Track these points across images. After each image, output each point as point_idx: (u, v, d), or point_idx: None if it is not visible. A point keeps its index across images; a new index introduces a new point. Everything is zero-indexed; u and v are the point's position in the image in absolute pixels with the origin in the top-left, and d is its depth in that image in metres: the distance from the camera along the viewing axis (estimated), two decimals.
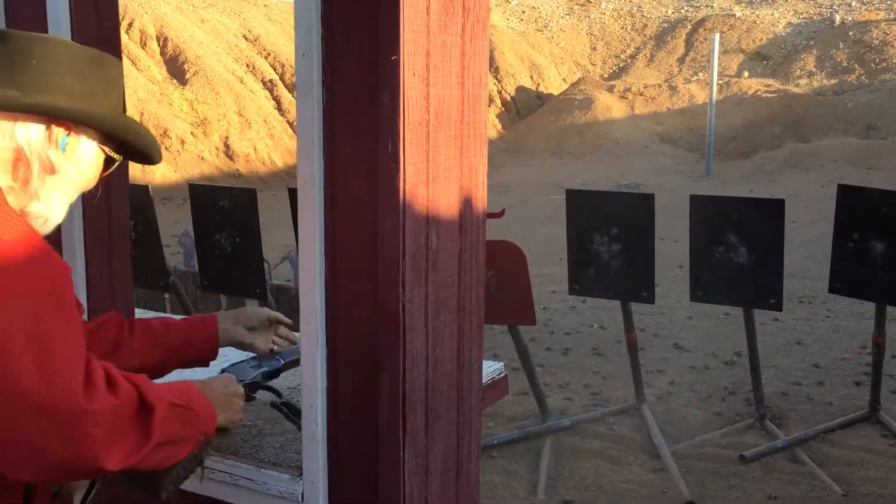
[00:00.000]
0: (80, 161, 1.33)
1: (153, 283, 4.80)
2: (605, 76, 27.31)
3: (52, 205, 1.31)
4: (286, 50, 20.51)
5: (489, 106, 25.24)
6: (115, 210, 1.89)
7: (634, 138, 21.59)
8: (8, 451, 1.14)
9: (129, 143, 1.39)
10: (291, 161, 17.27)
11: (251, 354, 1.84)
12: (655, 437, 4.60)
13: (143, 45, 17.91)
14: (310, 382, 1.56)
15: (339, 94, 1.49)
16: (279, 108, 18.40)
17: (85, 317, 1.85)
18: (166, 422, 1.27)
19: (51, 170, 1.29)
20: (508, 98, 26.12)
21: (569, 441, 4.66)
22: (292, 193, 4.66)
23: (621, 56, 29.04)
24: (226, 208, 4.46)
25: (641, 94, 23.44)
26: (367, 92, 1.46)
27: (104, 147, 1.37)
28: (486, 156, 1.69)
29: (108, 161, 1.39)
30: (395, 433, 1.49)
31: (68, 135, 1.30)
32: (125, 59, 14.34)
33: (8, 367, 1.10)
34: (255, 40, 20.38)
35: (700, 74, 26.09)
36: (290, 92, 19.04)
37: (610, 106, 22.80)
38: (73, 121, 1.30)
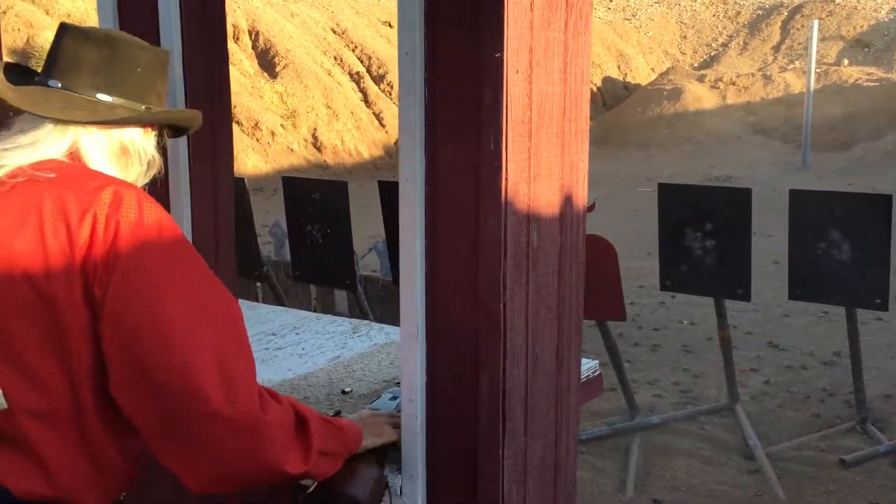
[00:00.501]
0: (152, 147, 1.48)
1: (247, 272, 4.92)
2: (696, 65, 26.65)
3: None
4: (373, 42, 20.73)
5: None
6: (220, 204, 1.95)
7: (726, 129, 21.00)
8: (191, 461, 1.23)
9: (185, 129, 1.56)
10: (377, 153, 17.46)
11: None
12: (750, 438, 4.48)
13: (236, 39, 18.36)
14: (409, 377, 1.57)
15: (442, 92, 1.49)
16: (366, 100, 18.61)
17: None
18: (320, 433, 1.35)
19: (153, 163, 1.47)
20: (595, 89, 25.75)
21: (658, 439, 4.58)
22: (382, 186, 4.71)
23: (712, 45, 28.28)
24: (318, 200, 4.54)
25: (734, 84, 22.76)
26: (469, 89, 1.46)
27: (165, 133, 1.53)
28: (587, 153, 1.67)
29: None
30: (494, 431, 1.49)
31: (153, 130, 1.48)
32: None
33: (194, 383, 1.19)
34: (342, 33, 20.66)
35: (796, 63, 25.19)
36: (376, 84, 19.24)
37: (700, 96, 22.23)
38: (170, 123, 1.51)
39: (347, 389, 2.03)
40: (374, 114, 18.24)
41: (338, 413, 1.88)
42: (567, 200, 1.61)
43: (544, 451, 1.61)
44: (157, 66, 1.47)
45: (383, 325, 2.69)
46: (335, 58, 19.52)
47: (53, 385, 1.25)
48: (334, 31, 20.60)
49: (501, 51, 1.41)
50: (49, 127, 1.34)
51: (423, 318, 1.55)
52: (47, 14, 15.82)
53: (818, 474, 4.18)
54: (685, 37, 28.61)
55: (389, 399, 1.85)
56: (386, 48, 20.85)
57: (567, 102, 1.58)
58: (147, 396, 1.21)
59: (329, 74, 18.58)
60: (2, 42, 2.33)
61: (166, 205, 1.88)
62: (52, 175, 1.27)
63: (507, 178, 1.44)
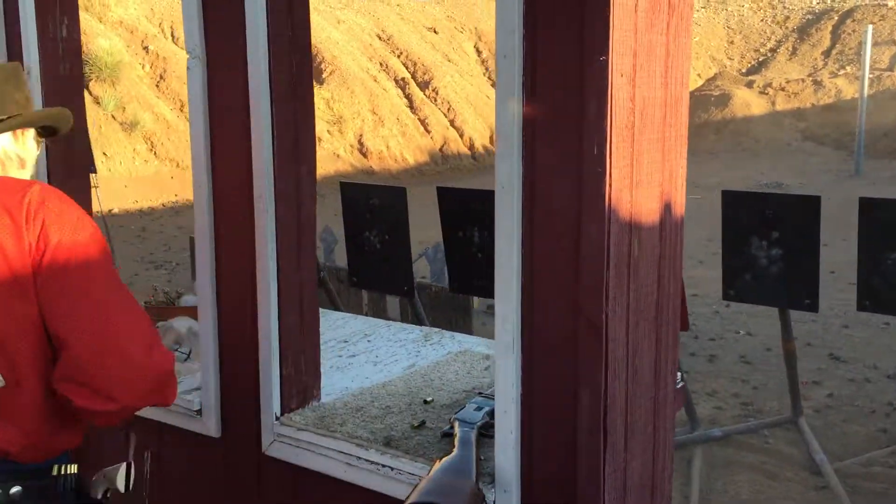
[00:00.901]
0: (30, 147, 1.73)
1: None
2: (743, 71, 26.26)
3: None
4: (418, 48, 20.78)
5: None
6: (303, 208, 1.93)
7: (775, 136, 20.65)
8: (121, 395, 1.53)
9: (51, 128, 1.79)
10: (423, 158, 17.47)
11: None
12: (816, 453, 4.35)
13: None
14: (504, 389, 1.53)
15: (541, 97, 1.45)
16: (411, 106, 18.65)
17: (275, 311, 1.89)
18: None
19: (22, 163, 1.70)
20: None
21: (721, 453, 4.48)
22: (440, 192, 4.68)
23: (760, 50, 27.84)
24: (376, 206, 4.52)
25: (783, 90, 22.39)
26: (571, 94, 1.42)
27: (38, 134, 1.76)
28: (685, 159, 1.62)
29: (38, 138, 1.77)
30: (595, 446, 1.44)
31: (23, 132, 1.70)
32: None
33: (125, 350, 1.52)
34: (388, 39, 20.74)
35: (847, 68, 24.68)
36: (421, 90, 19.27)
37: (749, 102, 21.90)
38: (31, 126, 1.72)
39: (429, 399, 1.99)
40: (419, 119, 18.26)
41: (422, 423, 1.85)
42: (667, 208, 1.56)
43: (643, 467, 1.56)
44: (8, 79, 1.69)
45: (454, 334, 2.65)
46: (381, 64, 19.59)
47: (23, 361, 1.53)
48: (380, 38, 20.68)
49: (606, 54, 1.36)
50: None
51: (518, 328, 1.51)
52: (100, 22, 16.12)
53: (889, 490, 4.05)
54: (732, 42, 28.22)
55: (474, 409, 1.81)
56: (430, 54, 20.90)
57: (668, 107, 1.53)
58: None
59: (375, 80, 18.66)
60: None
61: (250, 209, 1.87)
62: None
63: (610, 185, 1.40)
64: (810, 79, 23.03)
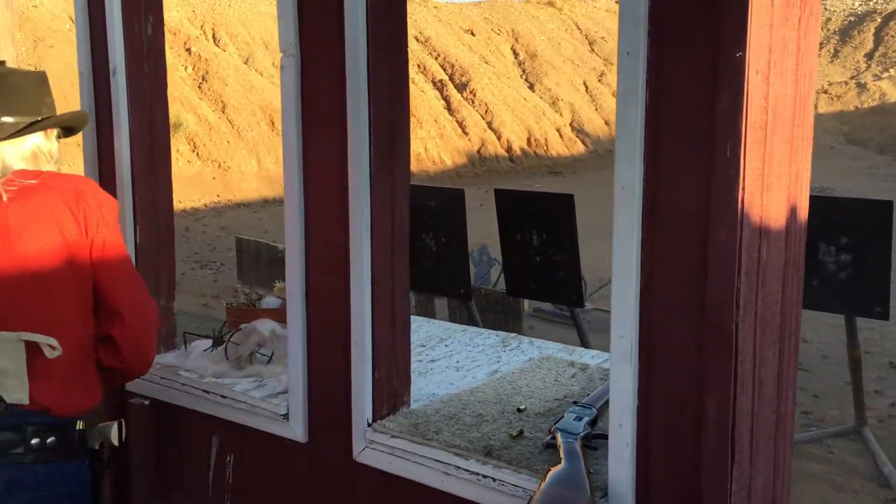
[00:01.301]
0: (56, 144, 2.01)
1: None
2: None
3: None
4: (455, 50, 20.76)
5: None
6: (397, 212, 1.88)
7: (818, 139, 20.27)
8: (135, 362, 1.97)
9: (71, 128, 2.08)
10: (460, 160, 17.44)
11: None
12: (884, 465, 4.24)
13: None
14: (620, 400, 1.47)
15: (667, 95, 1.39)
16: (448, 108, 18.63)
17: (369, 314, 1.84)
18: None
19: (52, 157, 1.98)
20: None
21: None
22: (498, 194, 4.62)
23: None
24: (433, 208, 4.48)
25: (826, 92, 22.05)
26: (700, 92, 1.35)
27: (59, 132, 2.04)
28: (810, 161, 1.55)
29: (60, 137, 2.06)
30: (722, 463, 1.37)
31: (52, 131, 1.99)
32: None
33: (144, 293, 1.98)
34: (425, 41, 20.74)
35: (891, 70, 24.25)
36: (458, 92, 19.24)
37: None
38: (59, 126, 2.01)
39: (522, 407, 1.94)
40: (456, 121, 18.23)
41: (520, 433, 1.79)
42: (793, 212, 1.49)
43: (765, 485, 1.49)
44: (39, 84, 1.98)
45: (532, 339, 2.59)
46: (418, 66, 19.59)
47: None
48: (417, 40, 20.68)
49: (743, 49, 1.30)
50: None
51: (636, 336, 1.45)
52: None
53: None
54: None
55: (574, 419, 1.76)
56: (468, 56, 20.86)
57: (797, 106, 1.46)
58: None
59: (413, 82, 18.64)
60: None
61: (344, 211, 1.83)
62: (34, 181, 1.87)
63: (743, 188, 1.33)
64: (853, 81, 22.67)
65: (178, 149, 14.41)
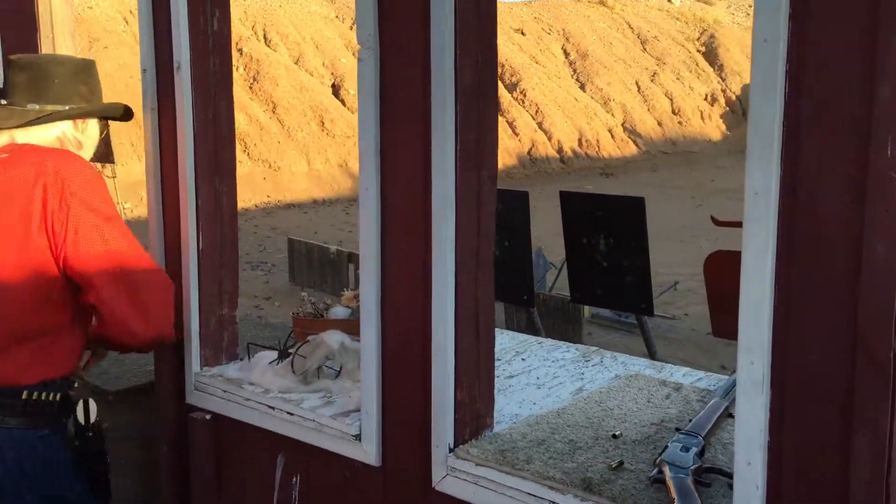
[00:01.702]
0: (92, 134, 2.09)
1: None
2: None
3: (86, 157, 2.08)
4: (505, 50, 20.54)
5: (712, 105, 24.02)
6: (483, 217, 1.72)
7: None
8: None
9: (113, 117, 2.16)
10: (511, 161, 17.25)
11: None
12: None
13: None
14: (748, 434, 1.29)
15: (810, 87, 1.21)
16: (499, 108, 18.45)
17: (452, 328, 1.69)
18: None
19: (79, 145, 2.05)
20: (733, 97, 24.75)
21: None
22: (564, 197, 4.45)
23: None
24: (498, 210, 4.31)
25: None
26: (853, 82, 1.17)
27: (100, 122, 2.12)
28: None
29: (102, 126, 2.14)
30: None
31: (84, 122, 2.06)
32: None
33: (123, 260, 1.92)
34: None
35: None
36: (509, 92, 19.04)
37: None
38: (90, 116, 2.07)
39: (617, 433, 1.76)
40: (506, 122, 18.04)
41: (620, 464, 1.62)
42: None
43: None
44: (75, 74, 2.05)
45: (615, 354, 2.42)
46: None
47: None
48: None
49: None
50: None
51: (768, 362, 1.27)
52: None
53: None
54: None
55: (681, 450, 1.58)
56: (519, 56, 20.65)
57: None
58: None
59: None
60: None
61: (426, 214, 1.68)
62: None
63: None
64: None
65: None
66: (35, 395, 1.92)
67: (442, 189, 1.65)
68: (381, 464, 1.85)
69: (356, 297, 2.27)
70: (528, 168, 17.20)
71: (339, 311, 2.20)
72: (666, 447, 1.61)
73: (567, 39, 22.62)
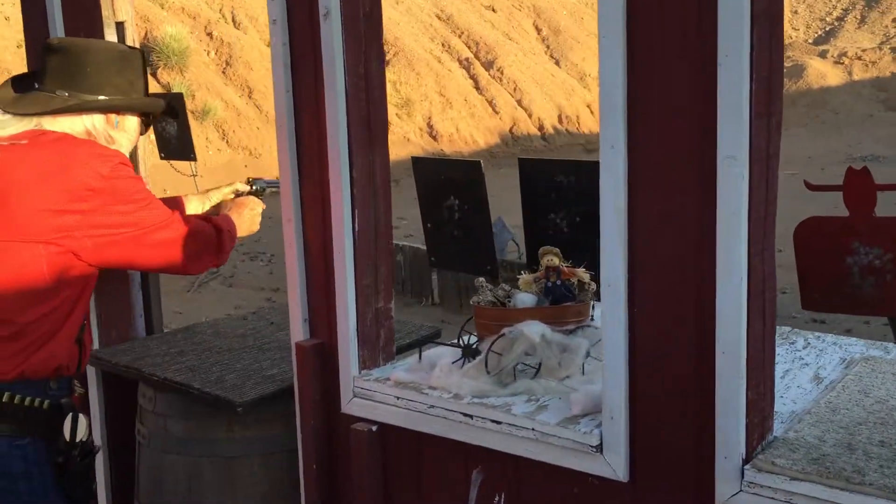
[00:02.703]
0: (128, 129, 1.97)
1: None
2: (810, 41, 25.29)
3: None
4: (479, 28, 20.20)
5: None
6: (771, 176, 1.41)
7: (855, 107, 19.77)
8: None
9: (154, 114, 2.06)
10: (493, 140, 16.93)
11: None
12: None
13: None
14: None
15: None
16: (477, 86, 18.08)
17: (745, 315, 1.38)
18: None
19: (111, 141, 1.92)
20: None
21: None
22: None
23: (826, 19, 26.82)
24: (563, 184, 4.00)
25: (860, 59, 21.45)
26: None
27: (142, 118, 2.01)
28: None
29: (145, 123, 2.05)
30: None
31: (119, 116, 1.93)
32: None
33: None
34: (447, 19, 20.17)
35: None
36: (485, 70, 18.70)
37: (824, 73, 21.00)
38: (116, 111, 1.92)
39: None
40: (486, 100, 17.70)
41: None
42: None
43: None
44: (112, 62, 1.91)
45: (810, 333, 2.13)
46: (443, 44, 19.03)
47: None
48: (439, 17, 20.12)
49: None
50: (16, 117, 1.85)
51: None
52: (163, 9, 15.75)
53: None
54: (796, 12, 27.24)
55: None
56: (492, 33, 20.30)
57: None
58: None
59: (439, 61, 18.11)
60: None
61: (705, 173, 1.36)
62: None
63: None
64: (887, 46, 22.05)
65: (208, 136, 13.93)
66: (18, 398, 1.77)
67: (733, 138, 1.33)
68: (629, 479, 1.53)
69: (536, 279, 1.95)
70: (511, 146, 16.89)
71: (525, 298, 1.87)
72: None
73: (538, 15, 22.30)
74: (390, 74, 16.87)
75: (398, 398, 1.81)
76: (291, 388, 2.08)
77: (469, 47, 19.41)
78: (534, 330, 1.75)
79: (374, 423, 1.86)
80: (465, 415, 1.70)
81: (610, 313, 1.50)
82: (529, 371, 1.78)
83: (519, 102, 18.15)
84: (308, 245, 1.94)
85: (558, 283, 1.88)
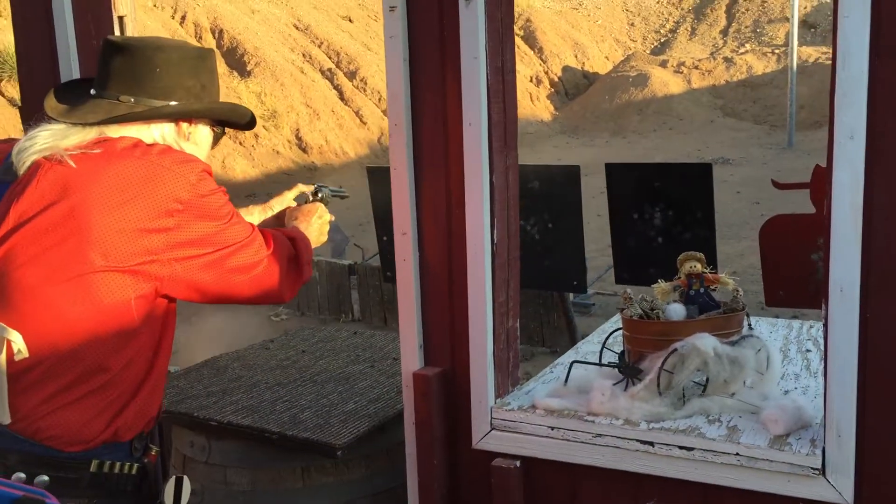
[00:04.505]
0: (200, 142, 1.71)
1: None
2: (647, 52, 26.65)
3: None
4: (338, 38, 19.90)
5: (537, 87, 24.63)
6: None
7: (696, 113, 20.94)
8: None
9: (230, 122, 1.77)
10: (363, 151, 16.67)
11: None
12: None
13: (199, 37, 17.28)
14: None
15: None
16: (342, 97, 17.76)
17: None
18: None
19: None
20: (556, 78, 25.55)
21: None
22: (609, 169, 4.11)
23: (661, 31, 28.37)
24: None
25: (697, 68, 22.76)
26: None
27: (214, 128, 1.74)
28: None
29: (217, 134, 1.76)
30: None
31: (190, 125, 1.67)
32: None
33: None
34: (305, 29, 19.73)
35: (747, 45, 25.48)
36: (349, 80, 18.42)
37: (666, 81, 22.13)
38: (194, 118, 1.68)
39: None
40: (353, 111, 17.41)
41: None
42: None
43: None
44: (181, 63, 1.65)
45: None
46: (304, 55, 18.58)
47: None
48: (297, 27, 19.64)
49: None
50: (74, 126, 1.58)
51: None
52: (2, 18, 14.46)
53: None
54: (633, 24, 28.68)
55: None
56: (351, 43, 20.05)
57: None
58: None
59: (302, 72, 17.65)
60: None
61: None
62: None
63: None
64: (720, 56, 23.57)
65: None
66: (108, 465, 1.48)
67: None
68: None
69: (675, 288, 1.81)
70: (381, 157, 16.69)
71: (677, 309, 1.73)
72: None
73: None
74: (252, 85, 16.29)
75: (552, 428, 1.62)
76: (386, 424, 1.84)
77: (330, 57, 19.07)
78: (707, 344, 1.61)
79: (517, 457, 1.66)
80: (644, 442, 1.54)
81: (840, 320, 1.39)
82: (694, 388, 1.64)
83: (385, 113, 18.00)
84: (425, 260, 1.71)
85: (702, 290, 1.75)
